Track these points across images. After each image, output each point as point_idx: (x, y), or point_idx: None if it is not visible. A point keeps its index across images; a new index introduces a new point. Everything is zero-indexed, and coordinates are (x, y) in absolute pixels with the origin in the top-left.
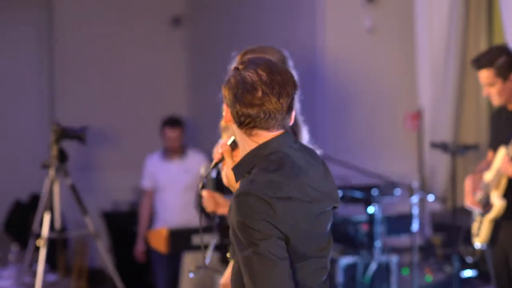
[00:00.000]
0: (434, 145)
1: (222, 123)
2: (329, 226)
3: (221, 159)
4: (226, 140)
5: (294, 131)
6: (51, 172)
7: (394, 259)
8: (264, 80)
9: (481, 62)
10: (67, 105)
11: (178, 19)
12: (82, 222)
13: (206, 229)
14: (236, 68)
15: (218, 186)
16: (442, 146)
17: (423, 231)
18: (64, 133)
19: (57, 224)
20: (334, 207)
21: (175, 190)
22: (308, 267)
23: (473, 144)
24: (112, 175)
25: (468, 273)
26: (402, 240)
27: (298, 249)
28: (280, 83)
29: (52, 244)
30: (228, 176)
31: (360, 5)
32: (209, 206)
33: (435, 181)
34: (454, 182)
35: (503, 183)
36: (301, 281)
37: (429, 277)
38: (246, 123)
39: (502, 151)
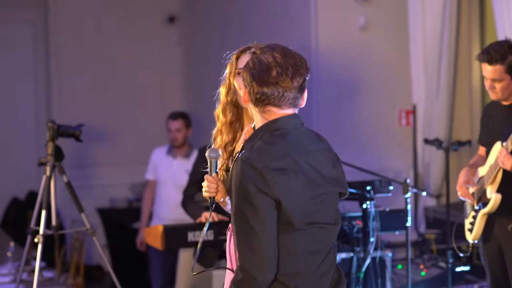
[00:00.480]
0: (428, 142)
1: (219, 125)
2: (332, 210)
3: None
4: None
5: None
6: (48, 169)
7: (388, 254)
8: (278, 61)
9: (492, 56)
10: (64, 103)
11: (173, 17)
12: (78, 219)
13: (201, 225)
14: (254, 52)
15: None
16: (436, 143)
17: (418, 227)
18: (60, 131)
19: (54, 221)
20: (342, 194)
21: (172, 187)
22: (298, 239)
23: (467, 141)
24: (109, 172)
25: (462, 268)
26: (397, 236)
27: (288, 218)
28: (293, 65)
29: (49, 241)
30: (220, 191)
31: (353, 3)
32: (211, 191)
33: (429, 177)
34: (448, 178)
35: (499, 177)
36: (289, 251)
37: (423, 273)
38: (261, 101)
39: (497, 146)
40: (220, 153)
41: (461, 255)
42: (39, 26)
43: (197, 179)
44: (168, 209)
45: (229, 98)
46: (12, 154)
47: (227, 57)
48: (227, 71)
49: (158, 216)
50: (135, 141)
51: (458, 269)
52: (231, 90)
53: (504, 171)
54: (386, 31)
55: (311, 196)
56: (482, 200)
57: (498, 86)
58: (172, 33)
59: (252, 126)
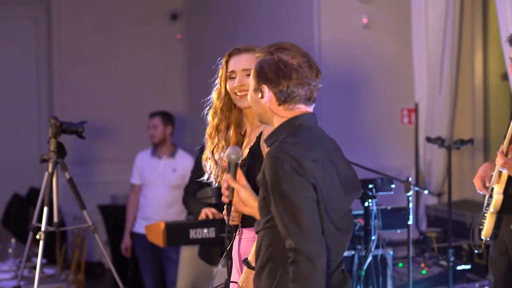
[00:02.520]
0: (430, 140)
1: (208, 130)
2: (350, 216)
3: (230, 196)
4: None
5: None
6: (50, 166)
7: (390, 252)
8: (304, 60)
9: None
10: (66, 99)
11: (176, 13)
12: (80, 215)
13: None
14: (271, 53)
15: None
16: (438, 141)
17: (419, 225)
18: (63, 128)
19: (56, 218)
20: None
21: (160, 187)
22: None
23: (469, 139)
24: (110, 169)
25: (463, 266)
26: (398, 234)
27: (321, 211)
28: (313, 62)
29: (50, 238)
30: (244, 199)
31: (356, 1)
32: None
33: (431, 175)
34: (449, 176)
35: (504, 176)
36: None
37: (424, 271)
38: (290, 99)
39: None
40: (241, 153)
41: (476, 252)
42: (41, 23)
43: (197, 176)
44: (156, 210)
45: (218, 103)
46: (14, 150)
47: (218, 62)
48: (219, 74)
49: (144, 219)
50: (137, 138)
51: (459, 267)
52: (221, 94)
53: None
54: (388, 30)
55: (341, 196)
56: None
57: None
58: (174, 30)
59: (229, 172)
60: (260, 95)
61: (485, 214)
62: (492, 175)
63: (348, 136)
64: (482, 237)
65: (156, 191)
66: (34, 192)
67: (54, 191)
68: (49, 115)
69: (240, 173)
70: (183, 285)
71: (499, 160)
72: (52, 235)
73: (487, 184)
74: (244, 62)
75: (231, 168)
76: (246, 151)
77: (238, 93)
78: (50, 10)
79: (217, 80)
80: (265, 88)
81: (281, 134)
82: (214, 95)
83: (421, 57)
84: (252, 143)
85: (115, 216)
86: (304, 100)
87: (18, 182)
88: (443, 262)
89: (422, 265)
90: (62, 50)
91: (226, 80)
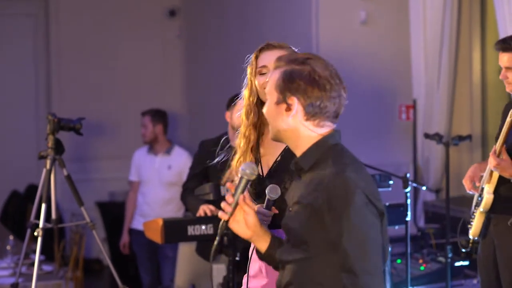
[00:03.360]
0: (428, 136)
1: (243, 129)
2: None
3: (230, 213)
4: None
5: None
6: (48, 163)
7: (388, 248)
8: (334, 73)
9: (506, 44)
10: (64, 96)
11: (174, 10)
12: (78, 212)
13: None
14: (302, 62)
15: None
16: (436, 137)
17: (417, 221)
18: (61, 124)
19: (54, 215)
20: None
21: (156, 184)
22: None
23: (467, 135)
24: (108, 166)
25: (461, 263)
26: (396, 230)
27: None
28: (340, 76)
29: (48, 235)
30: (251, 224)
31: None
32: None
33: (429, 171)
34: (447, 172)
35: (495, 176)
36: None
37: (422, 267)
38: (321, 114)
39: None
40: (256, 170)
41: (463, 250)
42: (39, 19)
43: (196, 172)
44: (153, 207)
45: (252, 100)
46: (12, 147)
47: (246, 60)
48: (248, 72)
49: (142, 215)
50: (135, 135)
51: (457, 263)
52: (253, 91)
53: None
54: (387, 26)
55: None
56: (482, 196)
57: (510, 75)
58: (173, 27)
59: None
60: (285, 108)
61: (474, 214)
62: (481, 176)
63: (346, 132)
64: (470, 236)
65: (153, 188)
66: (32, 189)
67: (52, 188)
68: (47, 112)
69: (247, 195)
70: (181, 282)
71: (491, 161)
72: (50, 232)
73: (477, 184)
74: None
75: (241, 184)
76: (267, 159)
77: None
78: (48, 7)
79: (247, 77)
80: (294, 100)
81: (321, 155)
82: (245, 93)
83: (419, 53)
84: (275, 151)
85: (113, 213)
86: (333, 118)
87: (16, 179)
88: (441, 258)
89: (420, 261)
90: (61, 47)
91: (256, 76)
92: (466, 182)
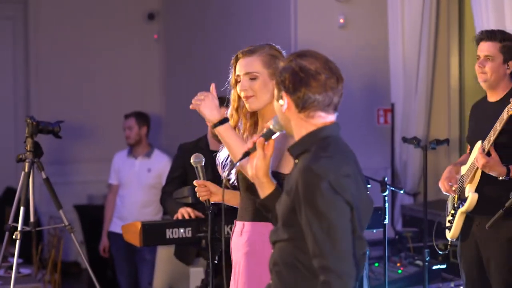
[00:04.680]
0: (406, 140)
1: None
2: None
3: (251, 150)
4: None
5: None
6: (26, 166)
7: (364, 238)
8: (324, 66)
9: (492, 34)
10: (43, 99)
11: (153, 13)
12: (56, 215)
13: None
14: (290, 60)
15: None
16: (414, 141)
17: (395, 225)
18: (39, 127)
19: (32, 218)
20: None
21: (135, 187)
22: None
23: (444, 139)
24: (87, 169)
25: (438, 266)
26: (374, 233)
27: (354, 227)
28: (334, 69)
29: (26, 238)
30: (257, 167)
31: (333, 1)
32: (202, 194)
33: (407, 175)
34: (425, 176)
35: (477, 176)
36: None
37: (400, 270)
38: (309, 106)
39: (478, 144)
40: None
41: (440, 253)
42: (18, 22)
43: (175, 176)
44: (131, 210)
45: (234, 104)
46: None
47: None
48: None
49: (120, 218)
50: (114, 138)
51: (435, 267)
52: (235, 100)
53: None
54: (365, 30)
55: (367, 208)
56: (462, 198)
57: (488, 65)
58: (151, 30)
59: (263, 135)
60: (282, 104)
61: (454, 215)
62: (459, 177)
63: None
64: (449, 238)
65: (132, 191)
66: (10, 192)
67: (30, 191)
68: (26, 115)
69: (271, 143)
70: (159, 285)
71: (480, 159)
72: (28, 235)
73: (454, 186)
74: (245, 67)
75: (267, 134)
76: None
77: (243, 98)
78: (27, 11)
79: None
80: (285, 96)
81: (309, 146)
82: (231, 98)
83: (397, 57)
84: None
85: (91, 216)
86: (323, 107)
87: None
88: (419, 262)
89: (398, 264)
90: (39, 50)
91: (236, 84)
92: (443, 184)
